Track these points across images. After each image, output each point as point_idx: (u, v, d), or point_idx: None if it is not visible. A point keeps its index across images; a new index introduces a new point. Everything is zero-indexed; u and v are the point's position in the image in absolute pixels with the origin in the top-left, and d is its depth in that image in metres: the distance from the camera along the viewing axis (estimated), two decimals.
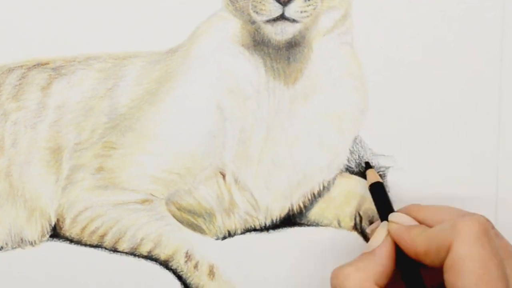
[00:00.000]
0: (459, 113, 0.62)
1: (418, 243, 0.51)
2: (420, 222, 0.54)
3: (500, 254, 0.49)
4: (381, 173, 0.62)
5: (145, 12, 0.61)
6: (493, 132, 0.62)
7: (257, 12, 0.59)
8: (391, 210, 0.56)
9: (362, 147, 0.62)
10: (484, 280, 0.47)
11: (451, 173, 0.62)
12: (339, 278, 0.51)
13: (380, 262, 0.52)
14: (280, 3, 0.58)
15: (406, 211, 0.55)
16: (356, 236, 0.62)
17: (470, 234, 0.49)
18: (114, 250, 0.61)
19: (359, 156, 0.62)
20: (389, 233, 0.53)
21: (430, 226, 0.52)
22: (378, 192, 0.57)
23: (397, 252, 0.53)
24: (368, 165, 0.60)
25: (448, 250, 0.49)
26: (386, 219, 0.55)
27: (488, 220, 0.50)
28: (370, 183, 0.58)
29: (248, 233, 0.62)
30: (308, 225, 0.62)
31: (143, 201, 0.61)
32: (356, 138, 0.62)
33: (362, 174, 0.62)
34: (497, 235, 0.52)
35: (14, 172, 0.61)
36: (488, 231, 0.49)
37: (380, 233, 0.54)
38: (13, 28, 0.61)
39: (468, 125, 0.62)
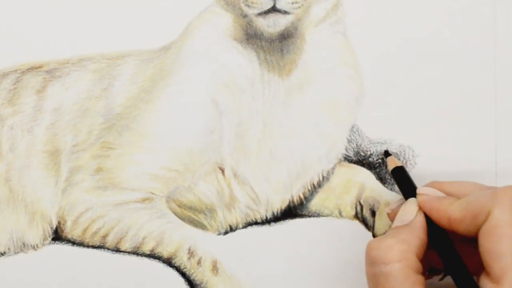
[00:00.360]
0: (455, 95, 0.62)
1: (452, 211, 0.51)
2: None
3: None
4: (379, 160, 0.62)
5: (136, 11, 0.61)
6: (490, 115, 0.62)
7: (248, 6, 0.59)
8: (415, 188, 0.56)
9: (359, 136, 0.62)
10: None
11: (449, 153, 0.62)
12: (381, 249, 0.50)
13: (418, 234, 0.52)
14: None
15: (431, 184, 0.55)
16: (357, 224, 0.62)
17: (510, 200, 0.49)
18: (117, 250, 0.61)
19: (356, 144, 0.62)
20: (419, 206, 0.53)
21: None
22: (401, 175, 0.57)
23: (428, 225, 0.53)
24: (387, 153, 0.60)
25: (486, 217, 0.49)
26: (412, 196, 0.55)
27: None
28: (391, 168, 0.58)
29: (249, 227, 0.62)
30: (309, 216, 0.62)
31: (144, 200, 0.61)
32: (353, 127, 0.62)
33: (361, 163, 0.62)
34: None
35: (13, 177, 0.61)
36: None
37: (411, 207, 0.54)
38: (5, 33, 0.61)
39: (464, 106, 0.62)
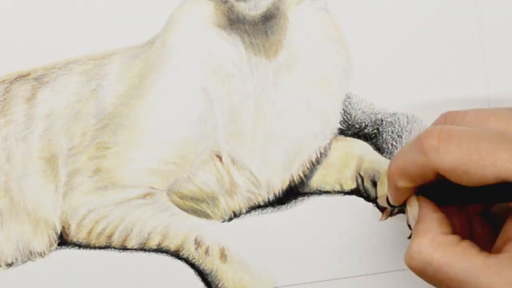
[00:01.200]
0: (444, 58, 0.62)
1: (410, 172, 0.51)
2: None
3: (478, 127, 0.49)
4: (375, 130, 0.62)
5: (116, 8, 0.61)
6: (480, 75, 0.62)
7: None
8: None
9: (352, 108, 0.62)
10: (494, 154, 0.47)
11: None
12: (414, 257, 0.50)
13: (431, 219, 0.51)
14: None
15: (446, 122, 0.54)
16: (359, 199, 0.62)
17: (438, 148, 0.48)
18: (124, 248, 0.61)
19: (350, 117, 0.62)
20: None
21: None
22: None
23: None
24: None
25: (431, 170, 0.49)
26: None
27: (440, 125, 0.50)
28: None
29: (253, 211, 0.62)
30: (311, 194, 0.62)
31: (145, 195, 0.61)
32: (345, 100, 0.62)
33: (357, 135, 0.62)
34: (463, 114, 0.52)
35: (13, 187, 0.61)
36: (448, 131, 0.49)
37: (411, 202, 0.53)
38: None
39: (454, 67, 0.62)
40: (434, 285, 0.51)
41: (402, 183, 0.52)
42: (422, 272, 0.50)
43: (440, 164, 0.48)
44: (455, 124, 0.52)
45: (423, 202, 0.53)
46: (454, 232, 0.51)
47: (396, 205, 0.55)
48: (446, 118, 0.54)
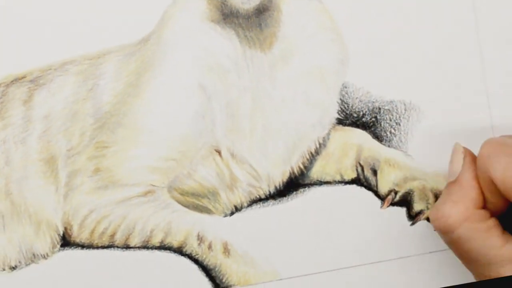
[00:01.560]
0: (440, 45, 0.62)
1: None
2: None
3: None
4: (373, 119, 0.62)
5: (110, 6, 0.61)
6: (476, 62, 0.62)
7: None
8: None
9: (349, 97, 0.62)
10: None
11: (441, 103, 0.62)
12: (441, 220, 0.51)
13: (469, 186, 0.52)
14: None
15: None
16: (360, 188, 0.62)
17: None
18: (127, 247, 0.61)
19: (347, 106, 0.62)
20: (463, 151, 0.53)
21: None
22: None
23: None
24: None
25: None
26: None
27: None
28: None
29: (254, 204, 0.62)
30: (312, 185, 0.62)
31: (146, 193, 0.61)
32: (341, 90, 0.62)
33: (355, 124, 0.62)
34: None
35: (13, 190, 0.61)
36: (503, 144, 0.49)
37: (457, 156, 0.54)
38: None
39: (450, 54, 0.62)
40: (448, 246, 0.52)
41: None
42: (441, 233, 0.52)
43: (492, 173, 0.49)
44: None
45: (469, 164, 0.53)
46: (485, 206, 0.51)
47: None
48: None
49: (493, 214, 0.52)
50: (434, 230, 0.53)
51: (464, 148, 0.54)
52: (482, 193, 0.52)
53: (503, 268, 0.49)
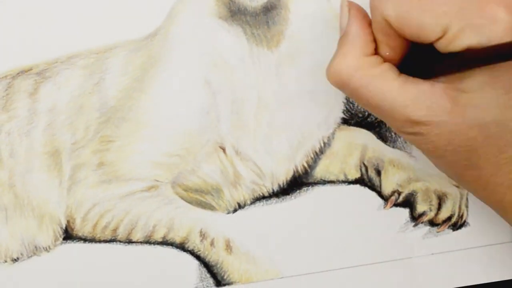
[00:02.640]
0: None
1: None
2: None
3: None
4: (378, 119, 0.62)
5: (118, 1, 0.61)
6: None
7: None
8: None
9: None
10: None
11: None
12: (335, 75, 0.51)
13: (356, 35, 0.51)
14: None
15: None
16: (363, 188, 0.62)
17: None
18: (129, 241, 0.61)
19: (353, 106, 0.62)
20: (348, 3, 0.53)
21: None
22: None
23: None
24: None
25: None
26: None
27: None
28: None
29: (258, 202, 0.62)
30: (316, 183, 0.62)
31: (149, 188, 0.61)
32: None
33: (360, 124, 0.62)
34: None
35: (17, 183, 0.61)
36: None
37: (343, 11, 0.53)
38: None
39: None
40: (353, 100, 0.53)
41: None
42: (340, 89, 0.51)
43: (384, 12, 0.48)
44: None
45: (355, 15, 0.52)
46: (378, 52, 0.51)
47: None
48: None
49: (395, 61, 0.51)
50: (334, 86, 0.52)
51: (349, 1, 0.53)
52: (374, 40, 0.51)
53: (407, 108, 0.49)
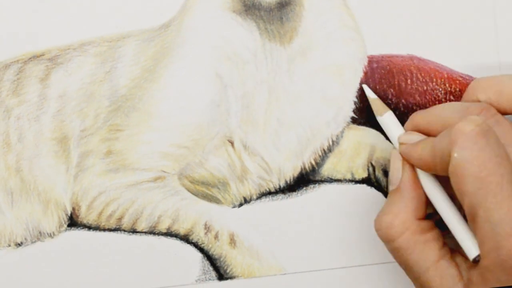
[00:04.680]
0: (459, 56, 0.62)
1: (425, 155, 0.51)
2: (428, 129, 0.54)
3: (504, 150, 0.48)
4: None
5: None
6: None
7: None
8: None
9: (364, 96, 0.62)
10: (487, 182, 0.47)
11: None
12: (383, 229, 0.53)
13: (410, 197, 0.53)
14: None
15: (411, 122, 0.56)
16: (370, 188, 0.62)
17: (466, 138, 0.48)
18: (133, 231, 0.61)
19: (363, 105, 0.62)
20: (402, 158, 0.54)
21: (436, 131, 0.53)
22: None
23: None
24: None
25: (447, 145, 0.49)
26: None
27: (485, 120, 0.50)
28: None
29: (264, 197, 0.62)
30: (322, 181, 0.62)
31: (156, 179, 0.61)
32: (358, 88, 0.62)
33: (369, 124, 0.62)
34: (501, 122, 0.52)
35: (24, 167, 0.61)
36: (486, 131, 0.48)
37: (396, 163, 0.55)
38: (2, 24, 0.61)
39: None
40: (391, 254, 0.53)
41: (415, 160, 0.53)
42: (384, 242, 0.53)
43: (455, 151, 0.48)
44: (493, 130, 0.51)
45: (409, 171, 0.54)
46: (427, 215, 0.53)
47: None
48: (484, 110, 0.53)
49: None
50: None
51: (402, 154, 0.55)
52: (426, 201, 0.53)
53: (433, 283, 0.51)
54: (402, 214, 0.52)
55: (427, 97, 0.62)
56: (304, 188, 0.62)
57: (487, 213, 0.47)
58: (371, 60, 0.62)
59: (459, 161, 0.48)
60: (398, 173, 0.54)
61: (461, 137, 0.48)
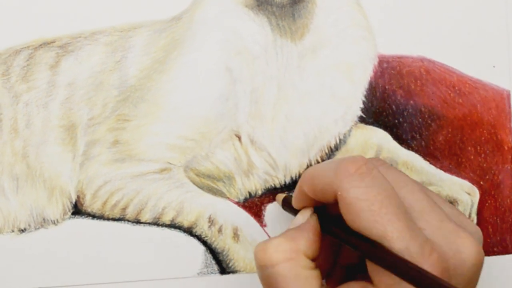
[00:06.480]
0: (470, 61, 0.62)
1: (316, 182, 0.50)
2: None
3: (392, 186, 0.47)
4: (396, 120, 0.62)
5: None
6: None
7: None
8: None
9: (374, 96, 0.62)
10: (382, 214, 0.46)
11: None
12: (267, 251, 0.49)
13: (307, 233, 0.50)
14: None
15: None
16: None
17: (352, 178, 0.47)
18: (137, 221, 0.61)
19: (371, 105, 0.62)
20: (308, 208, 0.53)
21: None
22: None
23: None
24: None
25: (333, 190, 0.48)
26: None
27: (368, 159, 0.49)
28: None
29: (269, 193, 0.62)
30: None
31: (162, 170, 0.61)
32: (367, 88, 0.62)
33: (377, 124, 0.62)
34: (388, 168, 0.51)
35: (30, 153, 0.61)
36: (370, 169, 0.47)
37: (304, 213, 0.53)
38: (15, 9, 0.61)
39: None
40: (261, 281, 0.50)
41: (306, 189, 0.51)
42: (260, 266, 0.49)
43: (343, 191, 0.47)
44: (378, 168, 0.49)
45: (314, 221, 0.51)
46: (318, 255, 0.50)
47: (294, 207, 0.54)
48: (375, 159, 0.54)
49: (327, 259, 0.53)
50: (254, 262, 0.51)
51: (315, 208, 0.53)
52: (319, 251, 0.51)
53: None
54: (293, 241, 0.49)
55: (436, 99, 0.62)
56: None
57: (390, 244, 0.45)
58: (382, 60, 0.62)
59: (350, 199, 0.46)
60: (302, 219, 0.52)
61: (347, 177, 0.47)
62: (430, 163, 0.62)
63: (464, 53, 0.62)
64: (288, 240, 0.49)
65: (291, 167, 0.62)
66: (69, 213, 0.61)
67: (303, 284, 0.48)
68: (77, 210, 0.61)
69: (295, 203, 0.54)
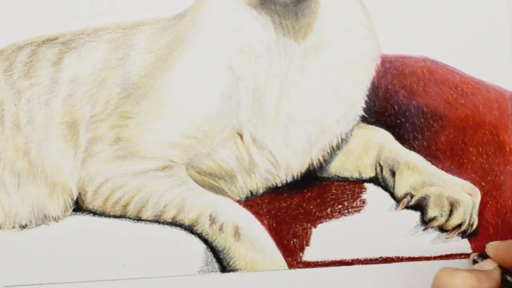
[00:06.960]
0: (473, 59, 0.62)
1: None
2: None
3: None
4: (397, 120, 0.62)
5: None
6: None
7: None
8: None
9: (376, 96, 0.62)
10: None
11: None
12: (454, 279, 0.53)
13: (492, 281, 0.55)
14: None
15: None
16: (377, 188, 0.62)
17: None
18: (138, 219, 0.61)
19: (374, 104, 0.62)
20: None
21: None
22: None
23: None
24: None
25: None
26: None
27: None
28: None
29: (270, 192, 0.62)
30: (329, 179, 0.62)
31: (163, 168, 0.61)
32: (369, 88, 0.62)
33: (379, 124, 0.62)
34: None
35: (32, 150, 0.61)
36: None
37: (491, 262, 0.57)
38: (18, 6, 0.61)
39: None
40: None
41: None
42: (437, 286, 0.54)
43: None
44: None
45: (498, 270, 0.56)
46: None
47: (489, 253, 0.58)
48: None
49: None
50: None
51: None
52: None
53: None
54: (478, 283, 0.54)
55: (438, 100, 0.62)
56: (311, 184, 0.62)
57: None
58: (384, 59, 0.62)
59: None
60: (490, 266, 0.57)
61: None
62: (432, 163, 0.62)
63: (467, 54, 0.62)
64: (474, 278, 0.54)
65: (292, 166, 0.62)
66: (70, 210, 0.61)
67: None
68: (78, 207, 0.61)
69: (493, 252, 0.58)
